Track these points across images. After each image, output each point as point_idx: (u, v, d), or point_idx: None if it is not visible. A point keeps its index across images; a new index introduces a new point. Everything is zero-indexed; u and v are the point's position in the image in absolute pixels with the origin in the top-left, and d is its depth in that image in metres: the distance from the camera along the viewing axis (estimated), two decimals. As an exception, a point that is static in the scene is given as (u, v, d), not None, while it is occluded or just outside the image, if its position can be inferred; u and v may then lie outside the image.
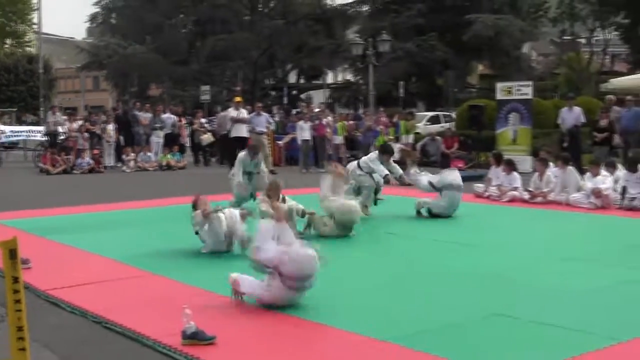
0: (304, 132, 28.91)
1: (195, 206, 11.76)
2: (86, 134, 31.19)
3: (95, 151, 30.34)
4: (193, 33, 55.45)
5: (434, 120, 44.61)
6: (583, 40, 79.06)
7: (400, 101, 49.89)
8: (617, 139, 24.45)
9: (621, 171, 18.15)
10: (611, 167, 18.43)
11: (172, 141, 31.54)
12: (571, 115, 25.10)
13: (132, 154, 30.30)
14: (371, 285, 9.63)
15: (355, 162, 16.98)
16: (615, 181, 17.82)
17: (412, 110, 42.51)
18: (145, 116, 31.81)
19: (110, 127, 31.03)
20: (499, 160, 19.50)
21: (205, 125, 33.22)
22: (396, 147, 28.20)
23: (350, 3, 60.44)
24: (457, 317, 7.98)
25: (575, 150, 23.81)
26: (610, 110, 25.22)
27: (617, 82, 41.25)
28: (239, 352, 6.98)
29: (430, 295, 9.05)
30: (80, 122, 32.92)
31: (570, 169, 18.07)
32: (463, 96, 53.70)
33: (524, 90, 27.51)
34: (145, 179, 26.26)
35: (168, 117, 32.22)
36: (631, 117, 24.67)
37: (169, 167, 29.84)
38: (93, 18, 67.80)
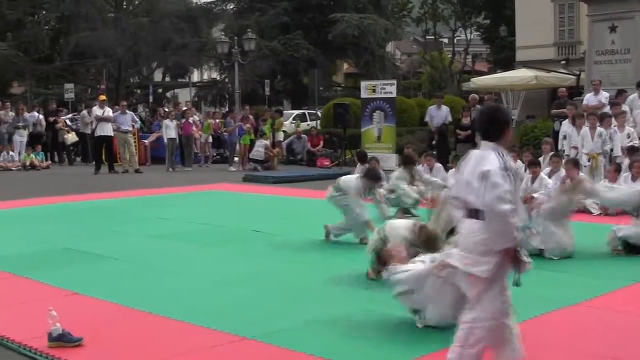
0: (170, 130, 28.65)
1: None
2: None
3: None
4: (56, 30, 54.34)
5: (300, 118, 44.84)
6: (446, 41, 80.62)
7: (267, 100, 49.96)
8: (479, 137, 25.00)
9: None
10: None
11: (36, 140, 30.88)
12: (440, 114, 25.57)
13: (-7, 153, 29.58)
14: (236, 282, 9.67)
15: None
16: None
17: (280, 109, 42.66)
18: (6, 115, 30.97)
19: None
20: (363, 159, 19.65)
21: (70, 124, 32.56)
22: (262, 144, 28.37)
23: (216, 1, 60.13)
24: (323, 314, 8.09)
25: (444, 148, 24.31)
26: (473, 109, 25.78)
27: (478, 81, 42.42)
28: (106, 354, 6.95)
29: (297, 293, 9.15)
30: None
31: (439, 166, 18.41)
32: (329, 95, 54.04)
33: (388, 89, 27.83)
34: (9, 179, 25.66)
35: (31, 115, 31.54)
36: (492, 115, 25.28)
37: (32, 167, 29.17)
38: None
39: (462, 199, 5.80)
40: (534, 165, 16.70)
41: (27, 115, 31.28)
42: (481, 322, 5.67)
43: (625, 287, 9.34)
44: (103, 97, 29.06)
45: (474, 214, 5.65)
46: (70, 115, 33.90)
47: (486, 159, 5.67)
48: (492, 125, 5.85)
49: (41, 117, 31.56)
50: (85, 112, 31.84)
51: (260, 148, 28.14)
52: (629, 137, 18.44)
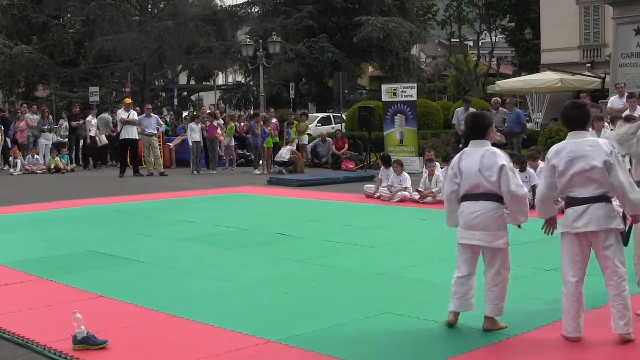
0: (194, 133, 28.69)
1: None
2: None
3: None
4: (81, 33, 54.51)
5: (325, 121, 44.86)
6: (471, 43, 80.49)
7: (292, 103, 49.98)
8: (502, 139, 24.93)
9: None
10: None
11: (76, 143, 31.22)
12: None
13: (20, 157, 29.64)
14: (261, 285, 9.67)
15: None
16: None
17: (306, 112, 42.67)
18: (32, 118, 31.08)
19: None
20: (387, 163, 19.56)
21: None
22: (287, 149, 28.35)
23: (241, 4, 60.21)
24: (347, 317, 8.07)
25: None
26: (496, 112, 25.67)
27: (503, 84, 42.37)
28: (130, 357, 6.96)
29: (321, 296, 9.13)
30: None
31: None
32: (353, 98, 53.99)
33: (409, 92, 27.61)
34: (34, 183, 25.77)
35: (64, 120, 31.79)
36: (514, 119, 25.22)
37: (57, 170, 29.25)
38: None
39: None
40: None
41: (62, 121, 31.59)
42: None
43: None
44: (128, 101, 29.13)
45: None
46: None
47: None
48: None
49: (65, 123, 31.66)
50: (105, 114, 32.04)
51: (285, 151, 28.11)
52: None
